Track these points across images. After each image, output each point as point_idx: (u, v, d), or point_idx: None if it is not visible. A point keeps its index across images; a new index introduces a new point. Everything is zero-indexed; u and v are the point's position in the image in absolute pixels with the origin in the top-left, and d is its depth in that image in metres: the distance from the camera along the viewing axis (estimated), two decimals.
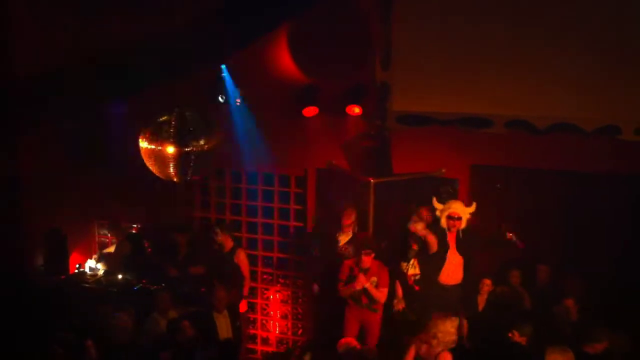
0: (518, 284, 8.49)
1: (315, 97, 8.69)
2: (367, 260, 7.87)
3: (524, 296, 8.40)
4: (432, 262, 8.07)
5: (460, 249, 8.06)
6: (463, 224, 8.05)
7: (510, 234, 8.17)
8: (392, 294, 8.18)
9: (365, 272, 7.86)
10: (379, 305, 8.05)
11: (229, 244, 8.82)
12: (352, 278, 7.91)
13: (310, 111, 8.71)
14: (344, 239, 8.65)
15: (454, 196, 8.39)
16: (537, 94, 8.12)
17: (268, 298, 9.74)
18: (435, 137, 8.56)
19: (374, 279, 7.93)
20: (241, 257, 8.83)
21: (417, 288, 8.13)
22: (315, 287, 8.84)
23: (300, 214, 9.39)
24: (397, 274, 8.18)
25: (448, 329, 6.83)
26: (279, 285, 9.67)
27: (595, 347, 6.81)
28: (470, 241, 8.09)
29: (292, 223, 9.52)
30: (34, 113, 6.39)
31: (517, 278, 8.48)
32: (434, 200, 8.11)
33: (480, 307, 8.33)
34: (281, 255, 9.63)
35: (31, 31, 8.16)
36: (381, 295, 7.96)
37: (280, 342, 9.68)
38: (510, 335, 7.13)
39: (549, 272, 8.42)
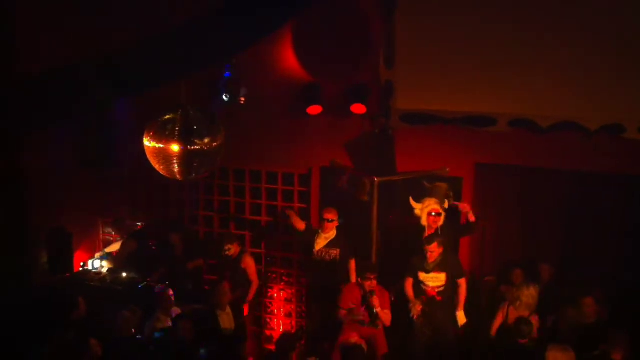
0: (520, 282, 8.49)
1: (318, 95, 8.69)
2: (370, 285, 7.71)
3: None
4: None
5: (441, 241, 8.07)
6: (441, 221, 8.10)
7: (460, 205, 8.19)
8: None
9: (372, 294, 7.69)
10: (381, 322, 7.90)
11: (235, 249, 8.83)
12: (354, 309, 7.74)
13: (314, 109, 8.71)
14: (321, 242, 8.55)
15: (432, 194, 8.34)
16: (541, 92, 8.12)
17: (272, 296, 9.75)
18: (439, 135, 8.57)
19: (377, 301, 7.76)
20: (248, 262, 8.85)
21: (439, 299, 8.02)
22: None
23: (304, 212, 9.38)
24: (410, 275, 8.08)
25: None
26: (282, 283, 9.68)
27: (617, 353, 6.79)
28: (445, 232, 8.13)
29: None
30: (38, 113, 6.39)
31: (519, 277, 8.47)
32: (410, 200, 8.16)
33: (484, 305, 8.35)
34: (285, 254, 9.63)
35: (36, 30, 8.16)
36: (387, 317, 7.76)
37: None
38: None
39: (552, 271, 8.42)
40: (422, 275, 7.99)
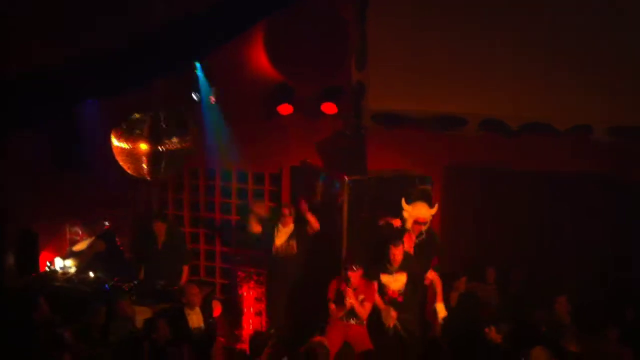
0: (493, 281, 8.58)
1: (290, 95, 8.66)
2: (355, 278, 7.68)
3: (495, 293, 8.49)
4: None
5: (417, 248, 8.13)
6: (426, 227, 8.13)
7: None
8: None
9: (354, 290, 7.66)
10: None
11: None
12: (341, 298, 7.68)
13: (285, 109, 8.67)
14: (281, 237, 8.54)
15: (422, 197, 8.37)
16: (511, 93, 8.19)
17: (242, 295, 9.70)
18: (410, 136, 8.60)
19: (362, 296, 7.72)
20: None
21: (400, 300, 7.98)
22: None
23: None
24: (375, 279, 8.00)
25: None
26: (252, 282, 9.63)
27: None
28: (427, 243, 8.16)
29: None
30: (7, 117, 6.27)
31: (492, 276, 8.57)
32: (403, 201, 8.14)
33: (453, 303, 8.39)
34: (255, 253, 9.59)
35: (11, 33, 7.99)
36: (365, 311, 7.73)
37: None
38: (486, 331, 7.22)
39: (523, 273, 8.52)
40: (385, 278, 7.93)
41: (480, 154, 8.49)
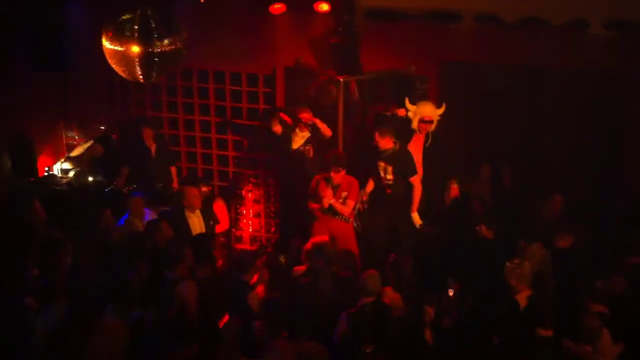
0: (487, 177, 8.67)
1: None
2: (337, 177, 7.80)
3: (488, 188, 8.60)
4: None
5: (426, 152, 8.13)
6: (434, 127, 8.07)
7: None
8: None
9: (336, 189, 7.80)
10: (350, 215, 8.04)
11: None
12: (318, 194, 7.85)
13: (277, 9, 8.51)
14: (298, 141, 8.56)
15: (424, 96, 8.32)
16: None
17: (241, 197, 9.82)
18: (405, 33, 8.49)
19: (345, 193, 7.86)
20: (219, 205, 8.79)
21: (388, 191, 8.11)
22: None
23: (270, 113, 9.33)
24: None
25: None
26: (250, 184, 9.73)
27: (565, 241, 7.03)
28: (436, 149, 8.14)
29: (262, 123, 9.51)
30: None
31: (487, 172, 8.65)
32: (406, 101, 8.08)
33: (447, 202, 8.51)
34: (252, 155, 9.65)
35: None
36: (347, 209, 7.89)
37: (253, 239, 9.84)
38: (477, 229, 7.35)
39: (511, 171, 8.61)
40: (379, 163, 8.06)
41: (475, 49, 8.39)
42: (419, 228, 8.11)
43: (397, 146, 7.93)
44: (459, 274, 6.82)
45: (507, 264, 6.33)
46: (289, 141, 8.59)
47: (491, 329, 6.04)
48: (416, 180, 8.03)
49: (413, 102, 8.11)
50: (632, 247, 7.19)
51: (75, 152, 9.67)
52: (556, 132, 8.69)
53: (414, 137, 8.17)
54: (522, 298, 6.21)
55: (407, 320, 6.12)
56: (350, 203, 7.92)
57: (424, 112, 8.02)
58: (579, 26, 8.00)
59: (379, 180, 8.15)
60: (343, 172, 7.81)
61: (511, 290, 6.26)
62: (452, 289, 6.73)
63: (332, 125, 8.48)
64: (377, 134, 7.83)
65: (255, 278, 6.86)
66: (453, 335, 6.08)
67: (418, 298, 6.29)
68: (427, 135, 8.13)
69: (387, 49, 8.57)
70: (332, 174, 7.79)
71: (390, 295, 6.45)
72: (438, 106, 8.07)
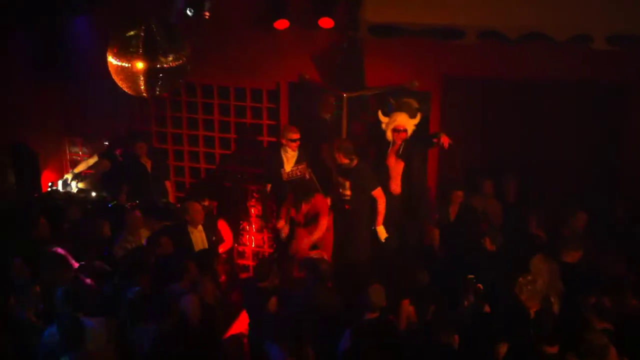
0: (491, 193, 8.64)
1: (285, 8, 8.51)
2: (307, 206, 7.86)
3: (496, 204, 8.58)
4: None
5: (401, 155, 8.17)
6: (408, 136, 8.12)
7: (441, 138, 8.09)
8: None
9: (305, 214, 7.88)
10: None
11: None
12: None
13: (281, 24, 8.55)
14: (290, 162, 8.47)
15: (401, 108, 8.31)
16: (509, 4, 8.03)
17: (243, 213, 9.81)
18: (408, 48, 8.50)
19: (312, 213, 7.94)
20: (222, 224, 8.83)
21: (347, 207, 8.17)
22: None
23: (274, 129, 9.34)
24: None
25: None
26: (253, 200, 9.73)
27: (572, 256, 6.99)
28: (410, 146, 8.18)
29: (266, 138, 9.51)
30: None
31: (490, 187, 8.63)
32: (379, 113, 8.15)
33: (452, 217, 8.49)
34: (255, 170, 9.64)
35: None
36: (320, 230, 7.96)
37: (256, 255, 9.82)
38: (482, 242, 7.33)
39: (517, 183, 8.59)
40: (338, 179, 8.17)
41: (479, 64, 8.40)
42: (385, 241, 8.16)
43: (354, 161, 7.96)
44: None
45: (520, 279, 6.28)
46: (281, 162, 8.52)
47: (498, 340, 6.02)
48: (378, 194, 8.06)
49: (386, 114, 8.15)
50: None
51: (79, 168, 9.67)
52: (559, 146, 8.69)
53: (390, 150, 8.22)
54: (530, 313, 6.19)
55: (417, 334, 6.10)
56: (323, 221, 7.95)
57: (396, 122, 8.10)
58: (581, 41, 8.00)
59: (337, 195, 8.18)
60: (310, 205, 7.87)
61: (521, 305, 6.22)
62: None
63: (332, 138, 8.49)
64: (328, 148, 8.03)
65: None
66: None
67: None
68: (400, 144, 8.17)
69: (391, 64, 8.59)
70: (303, 206, 7.85)
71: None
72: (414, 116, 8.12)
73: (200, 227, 8.16)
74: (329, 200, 8.16)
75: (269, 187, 8.67)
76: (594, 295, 6.21)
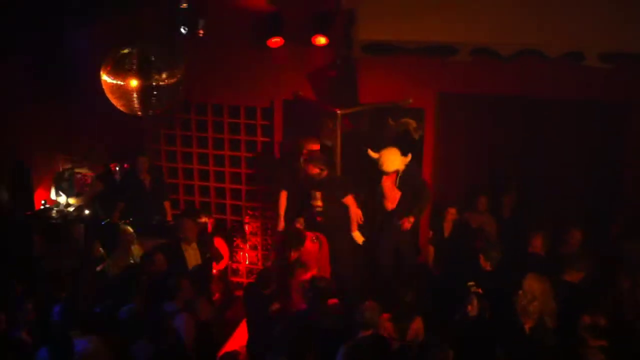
0: (485, 210, 8.66)
1: (279, 26, 8.55)
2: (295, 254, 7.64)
3: (491, 220, 8.59)
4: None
5: (398, 186, 8.13)
6: (400, 173, 8.05)
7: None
8: None
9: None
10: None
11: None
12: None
13: (275, 42, 8.59)
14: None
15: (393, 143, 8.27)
16: (503, 21, 8.08)
17: (237, 229, 9.79)
18: (401, 66, 8.53)
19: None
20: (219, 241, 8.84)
21: (319, 219, 8.21)
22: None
23: (268, 146, 9.36)
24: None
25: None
26: (247, 217, 9.72)
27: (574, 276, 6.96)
28: (408, 181, 8.11)
29: (260, 155, 9.52)
30: None
31: (484, 205, 8.64)
32: (369, 151, 8.07)
33: (446, 233, 8.51)
34: (249, 188, 9.64)
35: None
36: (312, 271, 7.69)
37: (250, 272, 9.79)
38: (477, 260, 7.32)
39: (513, 199, 8.60)
40: (310, 191, 8.21)
41: (472, 81, 8.43)
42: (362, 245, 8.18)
43: (324, 172, 8.01)
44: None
45: (520, 292, 6.32)
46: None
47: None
48: (349, 201, 8.08)
49: (376, 150, 8.06)
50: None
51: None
52: (554, 163, 8.72)
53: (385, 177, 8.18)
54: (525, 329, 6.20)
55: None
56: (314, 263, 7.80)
57: (384, 165, 7.95)
58: (574, 58, 8.06)
59: (310, 209, 8.20)
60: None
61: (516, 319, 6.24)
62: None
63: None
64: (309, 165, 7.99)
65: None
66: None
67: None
68: (395, 178, 8.12)
69: (385, 82, 8.61)
70: (292, 254, 7.65)
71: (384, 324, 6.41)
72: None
73: (194, 244, 8.14)
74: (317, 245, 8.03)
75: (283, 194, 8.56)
76: (588, 314, 6.20)
